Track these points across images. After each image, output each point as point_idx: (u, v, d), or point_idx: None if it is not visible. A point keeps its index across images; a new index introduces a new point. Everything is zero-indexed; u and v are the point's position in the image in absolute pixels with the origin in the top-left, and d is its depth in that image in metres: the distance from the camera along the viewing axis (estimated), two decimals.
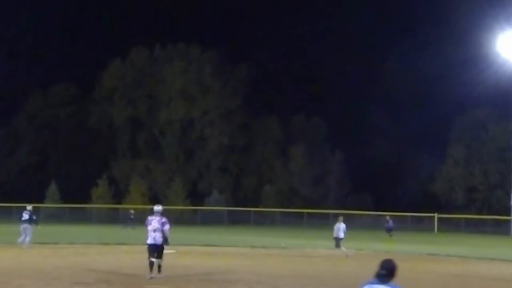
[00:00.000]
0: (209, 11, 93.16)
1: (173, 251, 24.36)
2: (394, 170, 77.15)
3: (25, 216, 29.30)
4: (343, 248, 26.91)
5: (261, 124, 79.28)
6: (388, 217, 52.04)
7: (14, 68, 75.48)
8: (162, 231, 17.51)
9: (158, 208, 18.04)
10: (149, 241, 17.55)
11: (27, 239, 28.60)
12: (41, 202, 65.65)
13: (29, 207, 30.40)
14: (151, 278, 17.20)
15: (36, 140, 79.86)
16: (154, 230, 17.49)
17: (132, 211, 54.33)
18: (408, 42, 78.81)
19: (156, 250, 17.50)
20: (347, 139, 76.28)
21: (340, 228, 27.24)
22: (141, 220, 59.15)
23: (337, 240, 27.14)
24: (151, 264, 17.48)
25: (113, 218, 63.40)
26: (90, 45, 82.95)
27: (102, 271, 18.95)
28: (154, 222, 17.57)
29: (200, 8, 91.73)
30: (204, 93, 77.05)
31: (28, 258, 22.80)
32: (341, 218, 28.14)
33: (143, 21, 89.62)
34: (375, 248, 32.64)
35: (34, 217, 29.56)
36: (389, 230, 49.86)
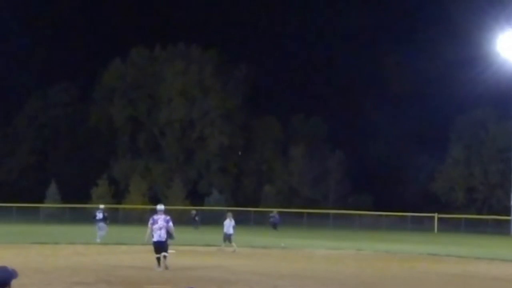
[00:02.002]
0: (209, 11, 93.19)
1: (173, 251, 24.31)
2: (394, 170, 77.12)
3: (99, 215, 31.68)
4: (233, 244, 27.74)
5: (261, 124, 79.25)
6: (274, 212, 53.11)
7: (14, 68, 75.51)
8: (167, 228, 19.21)
9: (161, 207, 19.74)
10: (155, 238, 19.15)
11: (102, 233, 31.13)
12: (41, 202, 65.69)
13: (102, 206, 33.13)
14: (160, 267, 18.94)
15: (36, 140, 79.84)
16: (160, 228, 19.14)
17: (194, 212, 54.76)
18: (408, 42, 78.86)
19: (162, 246, 19.17)
20: (347, 139, 76.30)
21: (230, 224, 28.34)
22: (141, 220, 59.28)
23: (228, 236, 28.04)
24: (159, 259, 19.14)
25: (113, 218, 63.33)
26: (90, 45, 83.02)
27: (102, 271, 18.95)
28: (160, 221, 19.21)
29: (200, 8, 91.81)
30: (204, 93, 77.01)
31: (28, 258, 22.79)
32: (230, 214, 29.49)
33: (143, 21, 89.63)
34: (375, 248, 32.64)
35: (106, 215, 31.71)
36: (274, 224, 50.55)
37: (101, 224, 31.55)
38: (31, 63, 78.37)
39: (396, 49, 79.33)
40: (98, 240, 31.33)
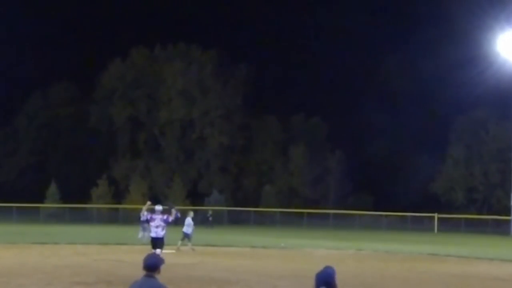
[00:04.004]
0: (209, 11, 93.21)
1: (173, 251, 24.38)
2: (394, 170, 77.08)
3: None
4: (180, 242, 27.38)
5: (261, 124, 79.25)
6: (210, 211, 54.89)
7: (14, 68, 75.45)
8: (163, 227, 20.56)
9: (159, 207, 21.36)
10: (152, 234, 20.63)
11: (147, 234, 31.27)
12: (41, 202, 65.71)
13: (156, 206, 34.06)
14: None
15: (36, 140, 79.82)
16: (157, 226, 20.54)
17: (210, 212, 55.10)
18: (408, 42, 78.85)
19: (157, 242, 20.47)
20: (347, 139, 76.25)
21: (191, 223, 27.95)
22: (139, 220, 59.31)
23: (188, 235, 27.60)
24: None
25: (113, 218, 63.43)
26: (90, 45, 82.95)
27: (102, 271, 18.96)
28: (157, 220, 20.65)
29: (200, 8, 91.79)
30: (204, 93, 77.02)
31: (28, 258, 22.79)
32: (191, 213, 29.09)
33: (143, 21, 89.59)
34: (375, 248, 32.64)
35: None
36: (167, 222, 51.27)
37: (146, 224, 32.37)
38: (31, 63, 78.31)
39: (396, 49, 79.40)
40: (144, 240, 31.76)
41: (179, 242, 27.55)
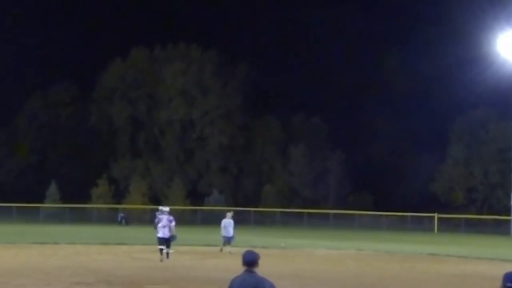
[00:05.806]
0: (209, 11, 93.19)
1: (173, 251, 24.36)
2: (394, 170, 77.07)
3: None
4: (227, 247, 26.40)
5: (261, 124, 79.22)
6: (120, 211, 55.67)
7: (14, 68, 75.46)
8: (170, 227, 22.30)
9: (166, 209, 23.21)
10: (160, 234, 22.19)
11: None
12: (41, 202, 65.72)
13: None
14: (162, 260, 21.56)
15: (36, 140, 79.81)
16: (164, 226, 22.16)
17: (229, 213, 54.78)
18: (408, 42, 78.85)
19: (165, 242, 22.09)
20: (347, 139, 76.27)
21: (230, 225, 27.17)
22: (141, 220, 59.43)
23: (228, 239, 26.79)
24: (161, 250, 22.03)
25: (113, 218, 63.44)
26: (90, 45, 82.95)
27: (102, 271, 18.96)
28: (164, 220, 22.30)
29: (200, 8, 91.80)
30: (204, 93, 77.01)
31: (28, 258, 22.80)
32: (229, 214, 28.38)
33: (143, 21, 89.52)
34: (375, 248, 32.65)
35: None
36: (121, 221, 51.85)
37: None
38: (31, 63, 78.31)
39: (396, 49, 79.38)
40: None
41: (227, 247, 26.83)
